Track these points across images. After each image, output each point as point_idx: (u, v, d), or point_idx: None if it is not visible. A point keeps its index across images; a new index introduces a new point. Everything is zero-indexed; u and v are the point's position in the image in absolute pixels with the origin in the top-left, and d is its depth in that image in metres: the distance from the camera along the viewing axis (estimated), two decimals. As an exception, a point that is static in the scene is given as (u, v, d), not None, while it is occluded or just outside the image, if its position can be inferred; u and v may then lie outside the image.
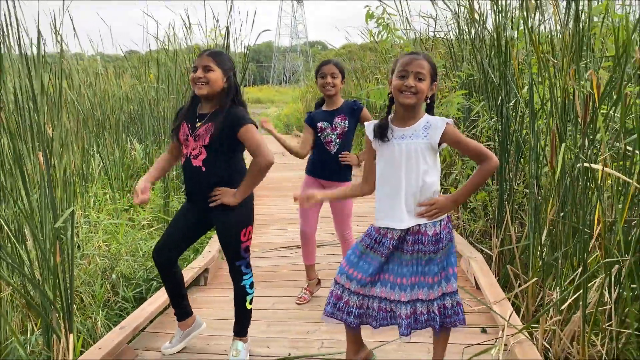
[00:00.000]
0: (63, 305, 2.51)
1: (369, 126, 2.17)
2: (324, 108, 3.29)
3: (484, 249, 4.03)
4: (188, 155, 2.52)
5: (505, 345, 2.53)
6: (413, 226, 2.12)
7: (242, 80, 5.32)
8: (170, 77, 5.96)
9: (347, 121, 3.22)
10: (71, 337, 2.40)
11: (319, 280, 3.62)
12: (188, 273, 3.63)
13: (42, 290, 2.44)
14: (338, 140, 3.23)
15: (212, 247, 4.29)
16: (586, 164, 2.31)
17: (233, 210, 2.54)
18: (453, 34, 4.93)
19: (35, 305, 2.57)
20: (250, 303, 2.71)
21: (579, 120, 2.52)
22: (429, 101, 2.13)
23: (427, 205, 2.09)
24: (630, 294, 2.30)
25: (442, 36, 5.26)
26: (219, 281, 3.98)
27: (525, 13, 2.62)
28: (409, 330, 2.16)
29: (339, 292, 2.27)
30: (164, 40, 6.71)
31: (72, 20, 5.08)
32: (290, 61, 66.45)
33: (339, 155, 3.23)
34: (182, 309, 2.82)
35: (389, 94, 2.14)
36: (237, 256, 2.62)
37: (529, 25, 2.58)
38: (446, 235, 2.16)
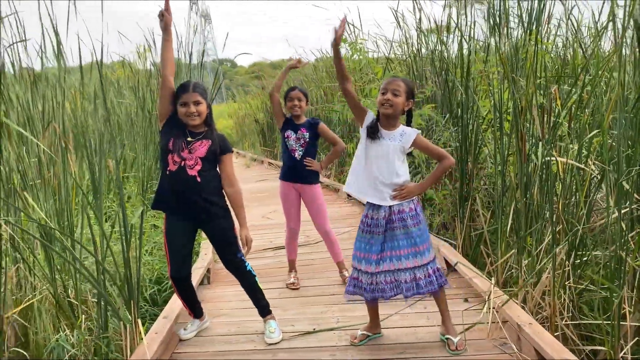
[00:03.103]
0: (134, 295, 2.82)
1: (369, 117, 2.83)
2: (295, 121, 3.92)
3: (445, 239, 4.71)
4: (182, 165, 2.86)
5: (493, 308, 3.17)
6: (394, 207, 2.78)
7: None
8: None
9: (307, 133, 3.88)
10: (139, 322, 2.72)
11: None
12: (195, 274, 3.97)
13: (115, 282, 2.75)
14: (301, 148, 3.87)
15: (207, 249, 4.64)
16: (552, 158, 3.03)
17: (225, 216, 3.03)
18: (411, 54, 5.68)
19: (105, 299, 2.85)
20: (259, 282, 3.19)
21: (536, 125, 3.26)
22: (405, 115, 2.83)
23: (399, 190, 2.77)
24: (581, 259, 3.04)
25: (403, 57, 6.03)
26: (219, 280, 4.35)
27: (497, 40, 3.35)
28: (410, 292, 2.80)
29: (355, 274, 2.91)
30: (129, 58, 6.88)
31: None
32: (202, 78, 65.97)
33: (304, 160, 3.86)
34: (198, 309, 3.26)
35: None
36: (237, 249, 3.08)
37: (500, 51, 3.31)
38: (420, 211, 2.85)
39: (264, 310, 3.21)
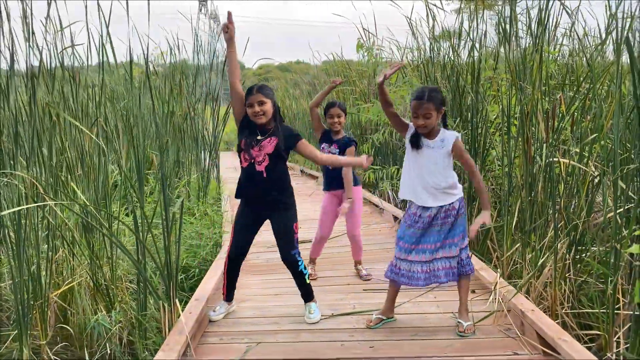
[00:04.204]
0: (175, 277, 3.12)
1: (410, 130, 3.07)
2: (332, 135, 4.15)
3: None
4: (252, 162, 3.18)
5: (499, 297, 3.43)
6: (444, 206, 3.03)
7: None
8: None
9: (337, 150, 4.08)
10: (177, 302, 3.01)
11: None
12: (220, 263, 4.23)
13: (158, 265, 3.04)
14: None
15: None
16: (555, 158, 3.30)
17: (288, 210, 3.30)
18: (424, 60, 5.97)
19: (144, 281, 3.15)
20: (308, 279, 3.47)
21: (541, 129, 3.52)
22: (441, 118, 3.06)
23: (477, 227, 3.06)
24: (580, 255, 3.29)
25: (418, 62, 6.33)
26: (244, 269, 4.60)
27: (506, 49, 3.62)
28: (447, 278, 3.12)
29: (394, 261, 3.20)
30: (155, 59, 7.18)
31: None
32: (210, 79, 66.61)
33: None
34: (232, 293, 3.57)
35: None
36: (291, 246, 3.33)
37: (509, 60, 3.58)
38: (462, 207, 3.12)
39: (308, 297, 3.48)
